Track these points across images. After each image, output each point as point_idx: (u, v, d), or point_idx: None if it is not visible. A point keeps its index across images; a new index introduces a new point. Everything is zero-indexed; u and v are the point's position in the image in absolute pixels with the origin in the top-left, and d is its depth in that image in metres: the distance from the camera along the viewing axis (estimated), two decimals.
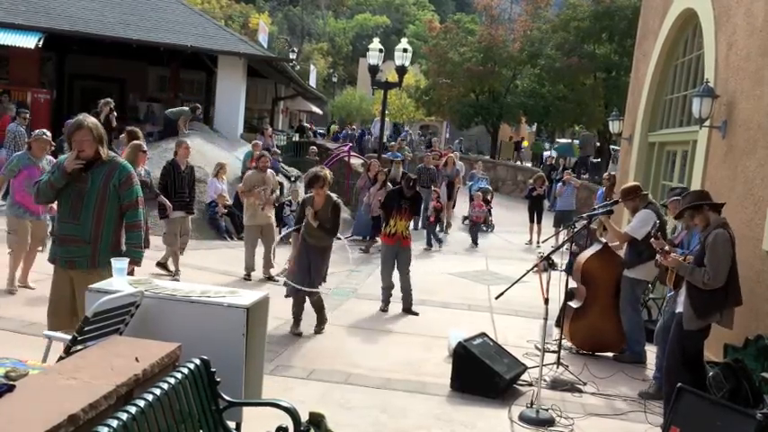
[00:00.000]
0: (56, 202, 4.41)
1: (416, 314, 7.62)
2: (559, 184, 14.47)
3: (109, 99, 12.05)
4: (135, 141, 7.85)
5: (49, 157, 6.92)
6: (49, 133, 7.09)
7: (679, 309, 4.82)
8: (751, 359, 5.16)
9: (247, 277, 8.61)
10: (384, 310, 7.68)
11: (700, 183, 7.21)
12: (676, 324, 4.78)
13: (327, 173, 6.64)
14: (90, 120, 4.26)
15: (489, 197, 15.19)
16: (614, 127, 11.98)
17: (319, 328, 6.70)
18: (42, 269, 5.95)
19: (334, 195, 6.73)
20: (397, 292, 7.78)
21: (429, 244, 12.53)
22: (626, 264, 6.42)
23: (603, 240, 6.86)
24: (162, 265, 8.33)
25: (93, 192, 4.20)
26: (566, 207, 13.30)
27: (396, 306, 7.90)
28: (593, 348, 6.63)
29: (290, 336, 6.42)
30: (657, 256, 5.09)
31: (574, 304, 6.65)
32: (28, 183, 6.20)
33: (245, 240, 9.07)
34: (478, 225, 13.72)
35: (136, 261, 4.39)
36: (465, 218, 15.34)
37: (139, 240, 4.41)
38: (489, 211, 14.91)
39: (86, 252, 4.23)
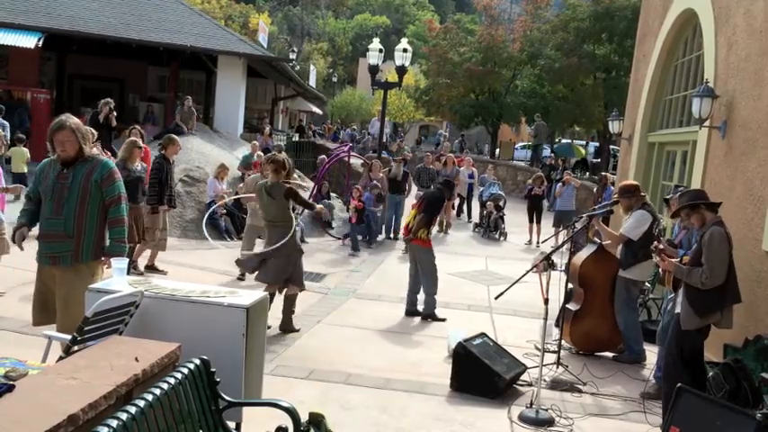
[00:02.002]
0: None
1: (444, 320, 7.48)
2: (559, 184, 14.45)
3: (109, 99, 12.06)
4: (131, 138, 7.91)
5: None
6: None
7: (678, 309, 4.82)
8: (750, 359, 5.16)
9: (241, 277, 8.60)
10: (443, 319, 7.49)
11: (699, 183, 7.22)
12: (675, 324, 4.79)
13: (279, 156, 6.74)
14: (72, 120, 4.33)
15: (501, 203, 14.63)
16: (614, 127, 11.98)
17: (287, 325, 6.48)
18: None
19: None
20: (398, 294, 7.75)
21: (355, 249, 11.45)
22: (621, 264, 6.40)
23: (597, 241, 6.85)
24: (151, 267, 8.37)
25: (74, 188, 4.26)
26: (565, 207, 13.29)
27: (394, 307, 7.91)
28: (593, 349, 6.62)
29: (289, 336, 6.41)
30: (655, 259, 5.09)
31: (572, 307, 6.64)
32: None
33: (243, 240, 9.11)
34: None
35: (119, 255, 4.40)
36: (476, 225, 14.98)
37: (122, 235, 4.44)
38: (501, 218, 14.40)
39: (69, 247, 4.27)
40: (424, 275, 7.54)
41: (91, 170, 4.30)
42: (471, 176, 16.25)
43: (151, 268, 8.34)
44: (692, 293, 4.63)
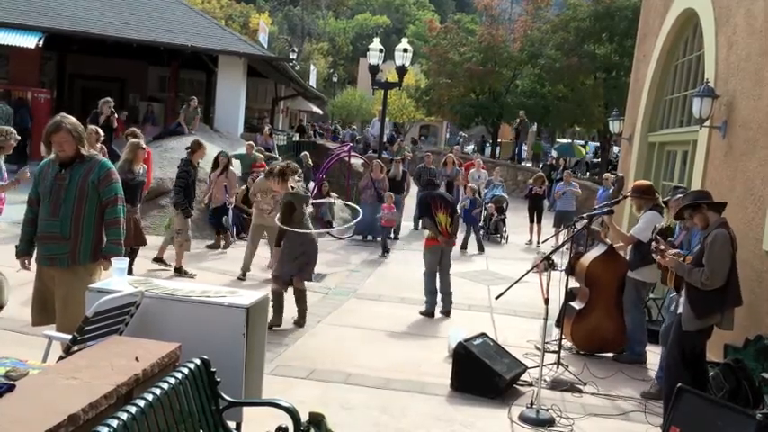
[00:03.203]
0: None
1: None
2: (559, 184, 14.43)
3: (108, 99, 12.07)
4: (133, 140, 7.92)
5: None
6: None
7: (680, 310, 4.82)
8: (751, 359, 5.16)
9: (242, 277, 8.60)
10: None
11: (700, 183, 7.21)
12: (676, 324, 4.79)
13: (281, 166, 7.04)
14: (69, 120, 4.29)
15: (504, 206, 14.48)
16: (614, 127, 11.96)
17: (301, 321, 6.76)
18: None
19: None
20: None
21: None
22: (631, 265, 6.39)
23: (608, 242, 6.84)
24: (160, 260, 8.47)
25: (71, 189, 4.24)
26: (566, 207, 13.27)
27: (394, 307, 7.91)
28: (595, 349, 6.62)
29: (290, 335, 6.42)
30: (655, 256, 5.09)
31: (576, 305, 6.64)
32: None
33: (248, 239, 9.13)
34: (388, 230, 11.79)
35: (116, 257, 4.39)
36: (480, 227, 14.99)
37: (119, 236, 4.41)
38: (503, 220, 14.31)
39: (66, 249, 4.26)
40: (446, 273, 7.77)
41: (89, 171, 4.28)
42: (480, 179, 16.14)
43: (160, 260, 8.48)
44: (693, 294, 4.63)
